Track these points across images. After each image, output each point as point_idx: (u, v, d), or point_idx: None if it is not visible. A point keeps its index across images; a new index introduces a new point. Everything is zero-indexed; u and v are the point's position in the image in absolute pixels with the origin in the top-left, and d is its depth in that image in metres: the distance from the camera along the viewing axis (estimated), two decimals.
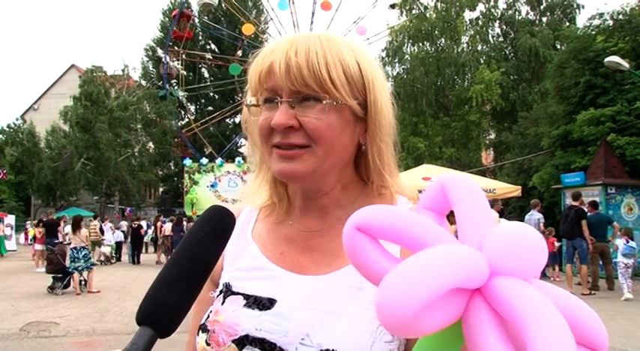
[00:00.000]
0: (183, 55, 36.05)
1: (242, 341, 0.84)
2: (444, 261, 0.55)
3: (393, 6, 33.09)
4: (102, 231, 18.92)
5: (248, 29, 32.68)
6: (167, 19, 41.41)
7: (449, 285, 0.54)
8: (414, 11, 30.42)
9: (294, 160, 0.85)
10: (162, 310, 0.65)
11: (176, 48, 35.98)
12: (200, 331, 0.89)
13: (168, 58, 35.04)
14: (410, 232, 0.61)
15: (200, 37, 42.06)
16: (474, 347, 0.57)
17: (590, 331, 0.58)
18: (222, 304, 0.89)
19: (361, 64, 0.87)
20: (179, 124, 38.73)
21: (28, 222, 31.20)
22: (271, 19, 37.89)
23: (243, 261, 0.95)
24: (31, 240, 23.61)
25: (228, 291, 0.91)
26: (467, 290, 0.58)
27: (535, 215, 12.91)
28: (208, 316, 0.89)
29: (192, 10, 36.77)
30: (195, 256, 0.70)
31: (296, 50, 0.83)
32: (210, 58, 42.26)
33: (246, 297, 0.88)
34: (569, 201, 12.00)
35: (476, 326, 0.57)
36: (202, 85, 39.54)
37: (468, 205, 0.66)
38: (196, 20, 38.13)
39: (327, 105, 0.83)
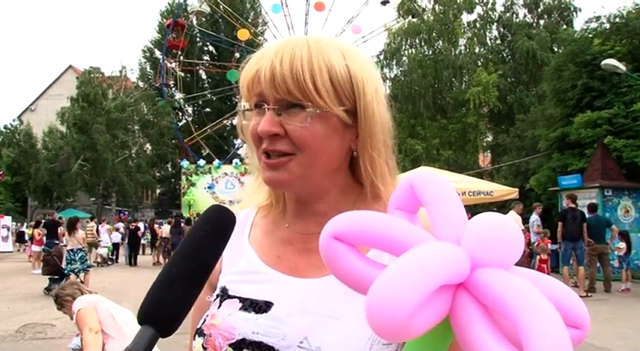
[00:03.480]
0: (181, 60, 36.18)
1: (239, 345, 0.83)
2: (429, 260, 0.55)
3: (384, 2, 33.23)
4: (98, 232, 18.89)
5: (243, 34, 32.75)
6: (165, 20, 41.39)
7: (437, 283, 0.54)
8: (413, 19, 30.47)
9: (280, 169, 0.85)
10: (163, 310, 0.65)
11: (174, 51, 36.07)
12: (196, 336, 0.88)
13: (164, 68, 35.15)
14: (387, 235, 0.61)
15: (197, 39, 42.04)
16: (465, 340, 0.57)
17: (572, 310, 0.59)
18: (219, 308, 0.89)
19: (351, 69, 0.85)
20: (178, 124, 38.72)
21: (14, 224, 30.84)
22: (266, 23, 38.15)
23: (239, 265, 0.94)
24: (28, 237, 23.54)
25: (224, 295, 0.90)
26: (451, 286, 0.58)
27: (531, 217, 13.02)
28: (205, 320, 0.89)
29: (185, 19, 36.87)
30: (196, 255, 0.70)
31: (281, 58, 0.82)
32: (208, 61, 42.39)
33: (242, 300, 0.88)
34: (566, 202, 12.00)
35: (464, 320, 0.57)
36: (200, 93, 39.63)
37: (439, 201, 0.67)
38: (194, 22, 38.18)
39: (311, 113, 0.82)
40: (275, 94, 0.82)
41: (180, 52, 35.75)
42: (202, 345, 0.86)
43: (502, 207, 18.77)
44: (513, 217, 10.99)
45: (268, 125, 0.83)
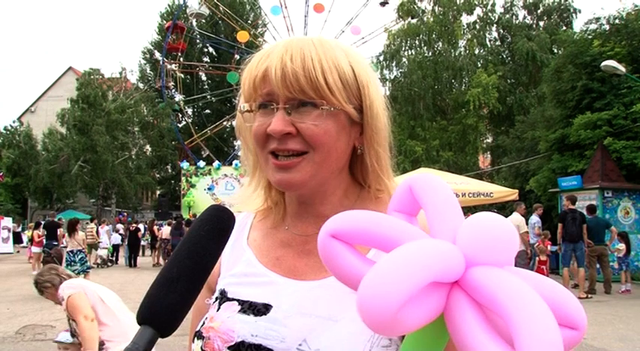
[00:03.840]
0: (181, 63, 36.37)
1: (238, 348, 0.83)
2: (419, 256, 0.55)
3: (383, 3, 33.40)
4: (99, 234, 18.89)
5: (243, 36, 32.83)
6: (165, 21, 41.47)
7: (426, 279, 0.54)
8: (412, 20, 30.47)
9: (292, 170, 0.84)
10: (162, 310, 0.65)
11: (173, 55, 36.24)
12: (195, 338, 0.88)
13: (164, 71, 35.30)
14: (384, 234, 0.62)
15: (197, 40, 42.12)
16: (460, 339, 0.57)
17: (569, 311, 0.59)
18: (218, 310, 0.89)
19: (355, 69, 0.86)
20: (178, 126, 38.78)
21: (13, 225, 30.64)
22: (265, 24, 38.25)
23: (238, 267, 0.94)
24: (26, 242, 23.52)
25: (223, 297, 0.90)
26: (445, 284, 0.59)
27: (531, 219, 13.01)
28: (203, 323, 0.88)
29: (185, 21, 37.02)
30: (195, 255, 0.70)
31: (291, 56, 0.82)
32: (208, 63, 42.50)
33: (241, 302, 0.88)
34: (566, 204, 12.00)
35: (458, 318, 0.57)
36: (201, 95, 39.80)
37: (436, 202, 0.68)
38: (194, 23, 38.25)
39: (324, 111, 0.82)
40: (287, 92, 0.82)
41: (180, 54, 35.88)
42: (201, 347, 0.85)
43: (502, 208, 18.77)
44: (517, 219, 10.96)
45: (281, 124, 0.82)
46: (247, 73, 0.88)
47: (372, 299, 0.53)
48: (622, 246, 12.14)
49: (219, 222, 0.75)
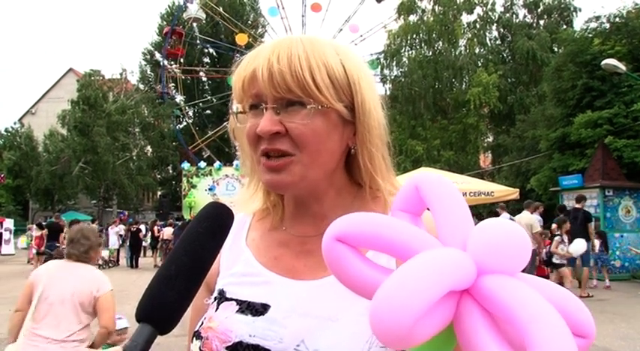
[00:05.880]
0: (181, 67, 36.53)
1: (235, 348, 0.83)
2: (435, 268, 0.54)
3: (379, 0, 33.52)
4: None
5: (242, 39, 32.88)
6: (165, 22, 41.48)
7: (442, 291, 0.53)
8: (411, 16, 30.42)
9: (281, 171, 0.83)
10: (160, 307, 0.65)
11: (173, 62, 36.41)
12: (194, 338, 0.88)
13: (164, 76, 35.45)
14: (390, 238, 0.60)
15: (197, 41, 42.13)
16: (469, 347, 0.56)
17: (579, 320, 0.58)
18: (216, 310, 0.88)
19: (346, 67, 0.85)
20: (179, 129, 38.83)
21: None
22: (264, 26, 38.37)
23: (236, 267, 0.94)
24: (27, 243, 23.51)
25: (222, 297, 0.90)
26: (456, 292, 0.57)
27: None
28: (202, 323, 0.88)
29: (185, 24, 37.11)
30: (193, 252, 0.70)
31: (278, 56, 0.81)
32: (208, 65, 42.61)
33: (239, 302, 0.87)
34: (571, 203, 11.98)
35: (468, 327, 0.56)
36: (202, 99, 39.92)
37: (445, 204, 0.66)
38: (195, 25, 38.30)
39: (312, 109, 0.81)
40: (274, 92, 0.81)
41: (177, 65, 36.08)
42: (200, 348, 0.85)
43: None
44: (530, 218, 10.92)
45: (269, 124, 0.81)
46: (237, 75, 0.87)
47: (388, 314, 0.51)
48: (597, 241, 12.16)
49: (218, 219, 0.75)
